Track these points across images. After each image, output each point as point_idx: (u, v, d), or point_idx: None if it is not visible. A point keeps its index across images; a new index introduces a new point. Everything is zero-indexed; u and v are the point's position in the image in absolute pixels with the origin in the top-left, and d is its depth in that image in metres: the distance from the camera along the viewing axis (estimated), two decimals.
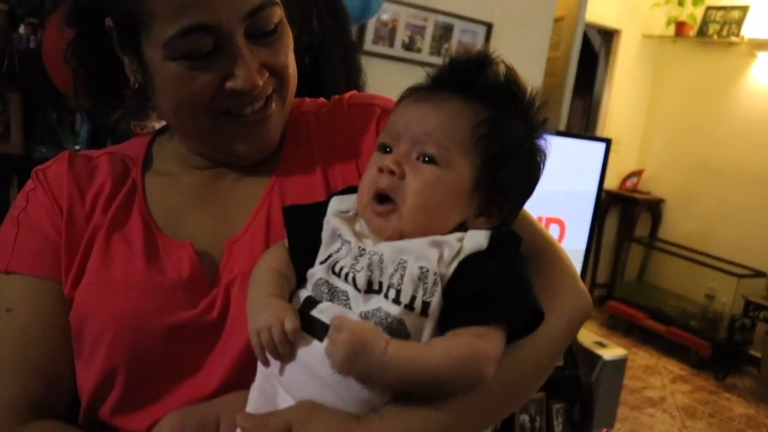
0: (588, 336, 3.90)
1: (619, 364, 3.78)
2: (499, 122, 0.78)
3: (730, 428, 4.13)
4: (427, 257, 0.72)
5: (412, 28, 3.55)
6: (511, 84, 0.81)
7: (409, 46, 3.56)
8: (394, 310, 0.71)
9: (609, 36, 5.87)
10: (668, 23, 5.65)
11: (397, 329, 0.71)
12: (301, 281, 0.81)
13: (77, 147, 2.62)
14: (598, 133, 5.85)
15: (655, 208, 5.95)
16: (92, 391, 0.85)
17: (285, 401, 0.74)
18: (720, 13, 5.43)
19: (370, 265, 0.73)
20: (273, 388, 0.76)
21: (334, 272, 0.76)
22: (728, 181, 5.45)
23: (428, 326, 0.72)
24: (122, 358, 0.83)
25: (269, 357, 0.74)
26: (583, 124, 6.05)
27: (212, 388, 0.82)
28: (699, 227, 5.64)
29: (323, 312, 0.74)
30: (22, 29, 2.45)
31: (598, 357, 3.70)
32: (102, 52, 0.91)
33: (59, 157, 0.96)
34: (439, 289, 0.71)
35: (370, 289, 0.73)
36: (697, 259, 5.39)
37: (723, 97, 5.51)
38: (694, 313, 5.34)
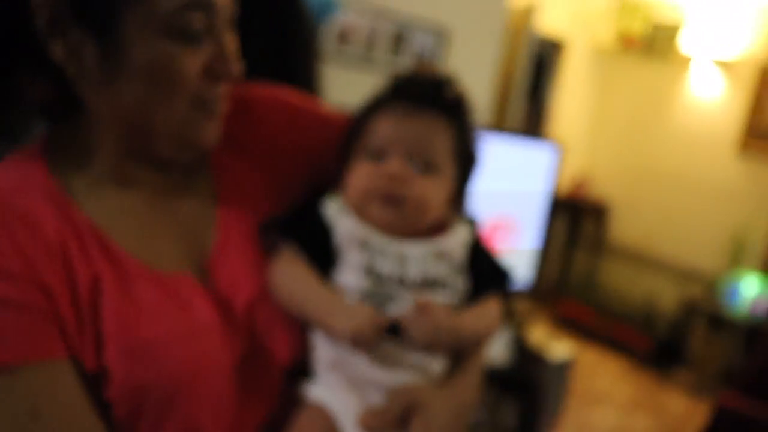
0: (537, 335, 4.00)
1: (567, 362, 3.88)
2: (467, 133, 0.94)
3: (671, 422, 4.29)
4: (459, 256, 0.91)
5: (368, 32, 3.62)
6: (463, 100, 0.95)
7: (365, 50, 3.62)
8: (449, 296, 0.89)
9: (558, 47, 6.03)
10: (615, 36, 5.83)
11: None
12: None
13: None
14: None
15: (600, 212, 6.12)
16: None
17: (375, 398, 0.84)
18: (663, 29, 5.64)
19: (421, 266, 0.87)
20: (359, 390, 0.84)
21: (372, 273, 0.86)
22: (670, 187, 5.65)
23: (463, 306, 0.91)
24: (200, 411, 0.77)
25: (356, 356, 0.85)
26: (532, 131, 6.18)
27: (268, 411, 0.85)
28: (642, 231, 5.82)
29: (394, 313, 0.85)
30: None
31: (546, 355, 3.80)
32: None
33: None
34: (468, 278, 0.92)
35: (421, 285, 0.87)
36: (641, 261, 5.61)
37: (665, 107, 5.71)
38: (638, 312, 5.52)
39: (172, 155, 0.83)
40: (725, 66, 5.29)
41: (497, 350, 3.66)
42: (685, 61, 5.53)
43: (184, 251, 0.84)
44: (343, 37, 3.56)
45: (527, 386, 3.69)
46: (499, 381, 3.67)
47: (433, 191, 0.89)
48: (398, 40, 3.71)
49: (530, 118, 6.11)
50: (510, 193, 3.51)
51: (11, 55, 0.77)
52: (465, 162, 0.94)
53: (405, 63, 3.66)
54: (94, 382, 0.73)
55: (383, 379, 0.83)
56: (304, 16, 1.62)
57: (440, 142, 0.90)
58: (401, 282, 0.85)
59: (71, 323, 0.72)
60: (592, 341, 5.48)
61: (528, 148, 3.62)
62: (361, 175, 0.89)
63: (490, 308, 0.93)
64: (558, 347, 3.91)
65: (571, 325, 5.72)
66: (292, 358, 0.85)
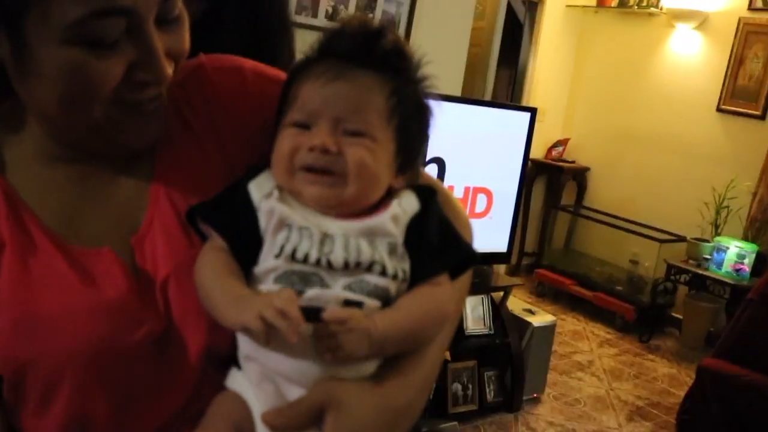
0: (517, 304, 3.96)
1: (548, 331, 3.86)
2: (403, 90, 0.82)
3: (655, 387, 4.27)
4: (391, 232, 0.78)
5: (333, 1, 3.48)
6: (401, 51, 0.84)
7: (332, 16, 3.49)
8: (382, 281, 0.76)
9: (533, 6, 5.91)
10: None
11: (382, 295, 0.76)
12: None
13: None
14: (524, 102, 5.89)
15: (580, 176, 6.06)
16: None
17: (293, 392, 0.75)
18: None
19: (346, 247, 0.76)
20: (274, 383, 0.75)
21: (295, 260, 0.75)
22: (649, 148, 5.59)
23: (405, 288, 0.79)
24: (90, 393, 0.74)
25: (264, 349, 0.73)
26: (509, 94, 6.10)
27: (182, 402, 0.79)
28: (622, 194, 5.78)
29: (312, 300, 0.73)
30: None
31: (528, 324, 3.76)
32: None
33: None
34: (407, 256, 0.79)
35: (346, 267, 0.75)
36: (621, 225, 5.53)
37: (643, 66, 5.63)
38: (619, 278, 5.49)
39: (102, 150, 0.81)
40: (703, 21, 5.20)
41: (476, 319, 3.62)
42: (661, 17, 5.44)
43: (112, 228, 0.81)
44: (309, 4, 3.41)
45: (508, 353, 3.66)
46: (480, 349, 3.64)
47: (368, 160, 0.78)
48: (366, 6, 3.57)
49: (506, 82, 6.01)
50: (486, 161, 3.43)
51: None
52: (406, 122, 0.83)
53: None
54: None
55: (298, 371, 0.74)
56: None
57: (373, 102, 0.80)
58: (328, 265, 0.75)
59: None
60: (573, 310, 5.45)
61: (503, 115, 3.53)
62: (284, 148, 0.79)
63: (435, 294, 0.80)
64: (539, 315, 3.88)
65: (551, 293, 5.69)
66: (207, 345, 0.78)
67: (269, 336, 0.68)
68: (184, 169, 0.85)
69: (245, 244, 0.77)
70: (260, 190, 0.79)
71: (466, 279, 0.90)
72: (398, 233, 0.79)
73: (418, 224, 0.81)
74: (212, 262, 0.77)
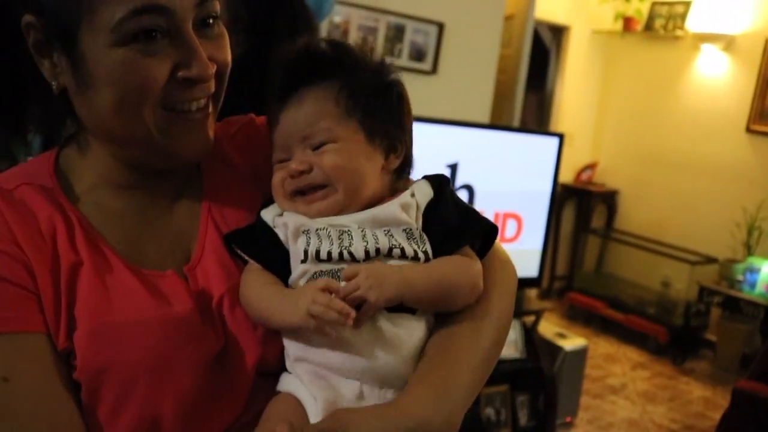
0: (549, 328, 3.97)
1: (580, 354, 3.85)
2: (350, 84, 0.89)
3: (689, 411, 4.23)
4: (404, 221, 0.85)
5: (364, 30, 3.57)
6: (337, 49, 0.91)
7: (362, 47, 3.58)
8: (403, 262, 0.83)
9: (559, 32, 5.96)
10: (616, 18, 5.76)
11: None
12: None
13: (30, 158, 2.57)
14: (552, 127, 5.93)
15: (609, 199, 6.06)
16: None
17: (343, 384, 0.81)
18: (665, 8, 5.56)
19: (363, 237, 0.83)
20: (325, 379, 0.82)
21: (320, 260, 0.83)
22: (679, 170, 5.58)
23: None
24: (162, 400, 0.79)
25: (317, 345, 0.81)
26: (538, 120, 6.14)
27: (240, 410, 0.85)
28: (653, 217, 5.76)
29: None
30: None
31: (560, 348, 3.76)
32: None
33: None
34: (426, 239, 0.86)
35: (368, 256, 0.82)
36: (652, 247, 5.51)
37: (671, 89, 5.64)
38: (651, 300, 5.46)
39: (160, 165, 0.89)
40: (730, 43, 5.20)
41: (508, 343, 3.63)
42: (687, 40, 5.46)
43: (169, 253, 0.89)
44: (338, 36, 3.50)
45: (541, 378, 3.65)
46: (512, 374, 3.64)
47: (338, 160, 0.86)
48: (394, 37, 3.66)
49: (534, 108, 6.06)
50: (515, 187, 3.46)
51: (22, 83, 0.86)
52: (368, 108, 0.89)
53: (401, 61, 3.61)
54: (66, 360, 0.79)
55: (347, 363, 0.80)
56: (309, 14, 1.65)
57: (322, 110, 0.88)
58: (351, 257, 0.82)
59: (49, 303, 0.78)
60: (605, 333, 5.42)
61: (531, 141, 3.57)
62: (275, 182, 0.90)
63: (461, 260, 0.86)
64: (571, 338, 3.88)
65: (582, 317, 5.67)
66: (260, 357, 0.86)
67: (323, 327, 0.77)
68: (229, 204, 0.95)
69: (277, 262, 0.86)
70: (271, 212, 0.90)
71: (508, 279, 0.95)
72: (412, 219, 0.86)
73: (434, 209, 0.88)
74: (253, 280, 0.86)
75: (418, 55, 3.75)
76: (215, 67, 0.85)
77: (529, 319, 3.71)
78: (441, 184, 0.91)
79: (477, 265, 0.88)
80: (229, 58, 0.89)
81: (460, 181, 3.13)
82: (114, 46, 0.77)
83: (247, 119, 1.05)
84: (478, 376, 0.85)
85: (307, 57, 0.90)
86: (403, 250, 0.83)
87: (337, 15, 3.44)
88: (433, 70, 3.83)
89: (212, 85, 0.85)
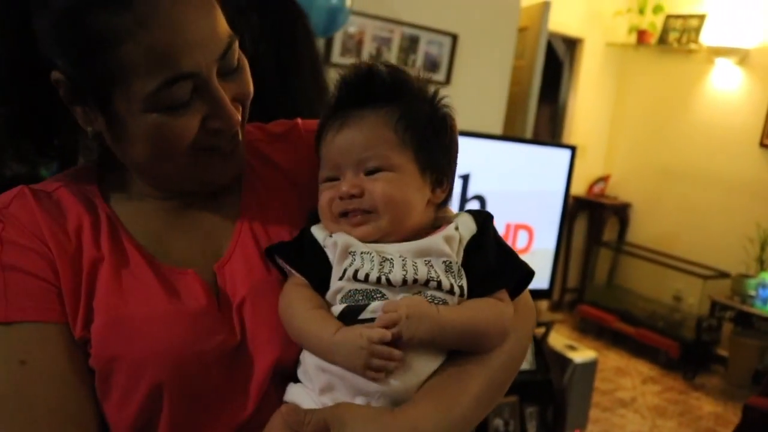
0: (559, 340, 3.95)
1: (590, 367, 3.83)
2: (409, 113, 0.89)
3: (700, 427, 4.21)
4: (446, 253, 0.86)
5: (378, 41, 3.60)
6: (398, 75, 0.91)
7: (376, 58, 3.60)
8: (439, 294, 0.84)
9: (573, 44, 5.97)
10: (630, 31, 5.77)
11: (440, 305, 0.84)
12: None
13: (53, 169, 2.60)
14: (565, 139, 5.94)
15: (622, 212, 6.05)
16: (131, 430, 0.84)
17: (357, 403, 0.81)
18: (679, 22, 5.56)
19: (404, 266, 0.83)
20: (333, 396, 0.83)
21: (357, 280, 0.84)
22: (692, 184, 5.57)
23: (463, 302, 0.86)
24: (164, 393, 0.82)
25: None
26: (550, 132, 6.14)
27: (251, 410, 0.86)
28: (665, 230, 5.75)
29: (376, 311, 0.82)
30: None
31: (569, 360, 3.75)
32: (37, 102, 0.87)
33: (17, 193, 0.89)
34: (463, 274, 0.86)
35: (404, 284, 0.83)
36: (664, 261, 5.50)
37: (684, 102, 5.64)
38: (663, 314, 5.43)
39: (194, 189, 0.93)
40: (744, 57, 5.20)
41: None
42: (701, 54, 5.45)
43: (197, 253, 0.92)
44: (353, 46, 3.53)
45: (550, 390, 3.64)
46: (522, 385, 3.63)
47: (391, 190, 0.87)
48: (408, 48, 3.68)
49: (546, 119, 6.06)
50: (527, 198, 3.47)
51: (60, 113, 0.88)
52: (422, 140, 0.90)
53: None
54: (83, 348, 0.83)
55: (362, 384, 0.81)
56: (309, 33, 1.66)
57: (381, 136, 0.88)
58: (388, 282, 0.83)
59: (69, 296, 0.83)
60: (615, 346, 5.41)
61: (543, 153, 3.57)
62: (323, 202, 0.90)
63: (496, 304, 0.87)
64: (581, 351, 3.87)
65: (593, 329, 5.65)
66: (275, 362, 0.87)
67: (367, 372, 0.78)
68: (267, 209, 0.97)
69: (321, 278, 0.87)
70: (323, 231, 0.90)
71: (528, 326, 0.97)
72: (453, 253, 0.86)
73: (476, 245, 0.88)
74: (298, 298, 0.86)
75: (431, 65, 3.77)
76: (239, 107, 0.88)
77: (540, 331, 3.70)
78: (485, 220, 0.91)
79: (509, 310, 0.88)
80: (251, 87, 0.91)
81: (471, 191, 3.14)
82: (145, 112, 0.81)
83: (293, 123, 1.08)
84: (482, 405, 0.87)
85: (370, 80, 0.90)
86: (439, 282, 0.83)
87: (352, 25, 3.47)
88: (447, 80, 3.85)
89: (239, 119, 0.88)
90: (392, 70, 0.91)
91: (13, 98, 0.87)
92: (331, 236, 0.89)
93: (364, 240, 0.86)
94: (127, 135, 0.84)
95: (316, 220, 0.92)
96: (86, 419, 0.83)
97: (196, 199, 0.95)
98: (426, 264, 0.84)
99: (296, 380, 0.87)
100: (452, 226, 0.89)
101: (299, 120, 1.08)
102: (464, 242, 0.88)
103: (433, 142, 0.91)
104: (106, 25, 0.75)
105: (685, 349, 4.99)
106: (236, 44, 0.86)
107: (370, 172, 0.88)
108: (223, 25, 0.84)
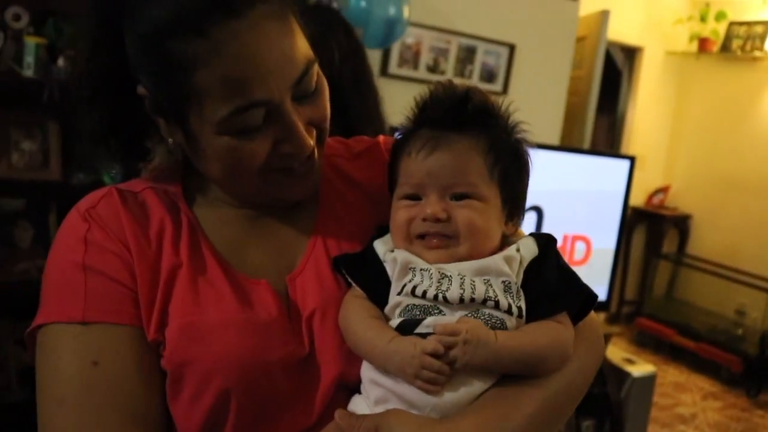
0: (617, 353, 3.89)
1: (649, 381, 3.76)
2: (497, 145, 0.89)
3: None
4: (505, 272, 0.85)
5: (435, 51, 3.61)
6: (489, 108, 0.91)
7: (433, 69, 3.62)
8: (497, 313, 0.83)
9: (632, 53, 5.89)
10: (691, 39, 5.67)
11: (497, 326, 0.83)
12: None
13: (113, 173, 2.69)
14: (624, 150, 5.85)
15: (682, 223, 5.93)
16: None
17: None
18: (743, 29, 5.44)
19: (461, 285, 0.83)
20: (386, 407, 0.83)
21: (415, 295, 0.84)
22: (755, 195, 5.42)
23: (521, 323, 0.85)
24: (232, 399, 0.83)
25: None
26: (609, 142, 6.06)
27: (314, 420, 0.87)
28: (727, 242, 5.61)
29: (430, 326, 0.82)
30: (61, 61, 2.55)
31: (627, 374, 3.68)
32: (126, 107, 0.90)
33: (105, 193, 0.93)
34: (522, 295, 0.85)
35: (461, 302, 0.83)
36: (726, 274, 5.36)
37: (747, 111, 5.50)
38: (724, 329, 5.30)
39: (269, 205, 0.96)
40: None
41: None
42: (766, 61, 5.31)
43: (271, 264, 0.94)
44: (410, 57, 3.55)
45: (607, 403, 3.59)
46: None
47: (476, 219, 0.87)
48: (465, 59, 3.68)
49: (605, 130, 5.99)
50: (584, 209, 3.43)
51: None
52: (507, 173, 0.90)
53: (472, 82, 3.63)
54: (156, 350, 0.85)
55: (419, 395, 0.81)
56: (362, 46, 1.70)
57: (473, 164, 0.88)
58: (445, 300, 0.83)
59: (144, 300, 0.86)
60: (674, 360, 5.29)
61: (601, 163, 3.53)
62: (400, 219, 0.90)
63: (556, 328, 0.85)
64: (639, 365, 3.80)
65: (651, 343, 5.54)
66: (340, 374, 0.88)
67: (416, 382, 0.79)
68: (343, 224, 0.99)
69: (379, 292, 0.88)
70: (384, 246, 0.91)
71: (592, 355, 0.94)
72: (512, 273, 0.86)
73: (537, 268, 0.88)
74: (357, 309, 0.88)
75: (488, 76, 3.77)
76: (313, 131, 0.89)
77: None
78: (548, 243, 0.91)
79: (569, 333, 0.87)
80: (328, 111, 0.92)
81: (529, 202, 3.12)
82: (219, 135, 0.83)
83: (374, 141, 1.10)
84: (535, 425, 0.84)
85: (464, 103, 0.90)
86: (497, 302, 0.83)
87: (409, 37, 3.49)
88: (504, 90, 3.84)
89: (312, 144, 0.89)
90: (483, 99, 0.91)
91: (107, 103, 0.90)
92: (392, 251, 0.89)
93: (437, 263, 0.86)
94: (202, 152, 0.87)
95: (382, 234, 0.93)
96: (154, 424, 0.85)
97: (273, 210, 0.97)
98: (485, 283, 0.84)
99: (360, 392, 0.88)
100: (514, 247, 0.89)
101: (381, 138, 1.10)
102: (525, 263, 0.88)
103: (515, 177, 0.92)
104: (182, 51, 0.78)
105: (747, 364, 4.85)
106: (314, 68, 0.87)
107: (456, 198, 0.87)
108: (301, 49, 0.84)
